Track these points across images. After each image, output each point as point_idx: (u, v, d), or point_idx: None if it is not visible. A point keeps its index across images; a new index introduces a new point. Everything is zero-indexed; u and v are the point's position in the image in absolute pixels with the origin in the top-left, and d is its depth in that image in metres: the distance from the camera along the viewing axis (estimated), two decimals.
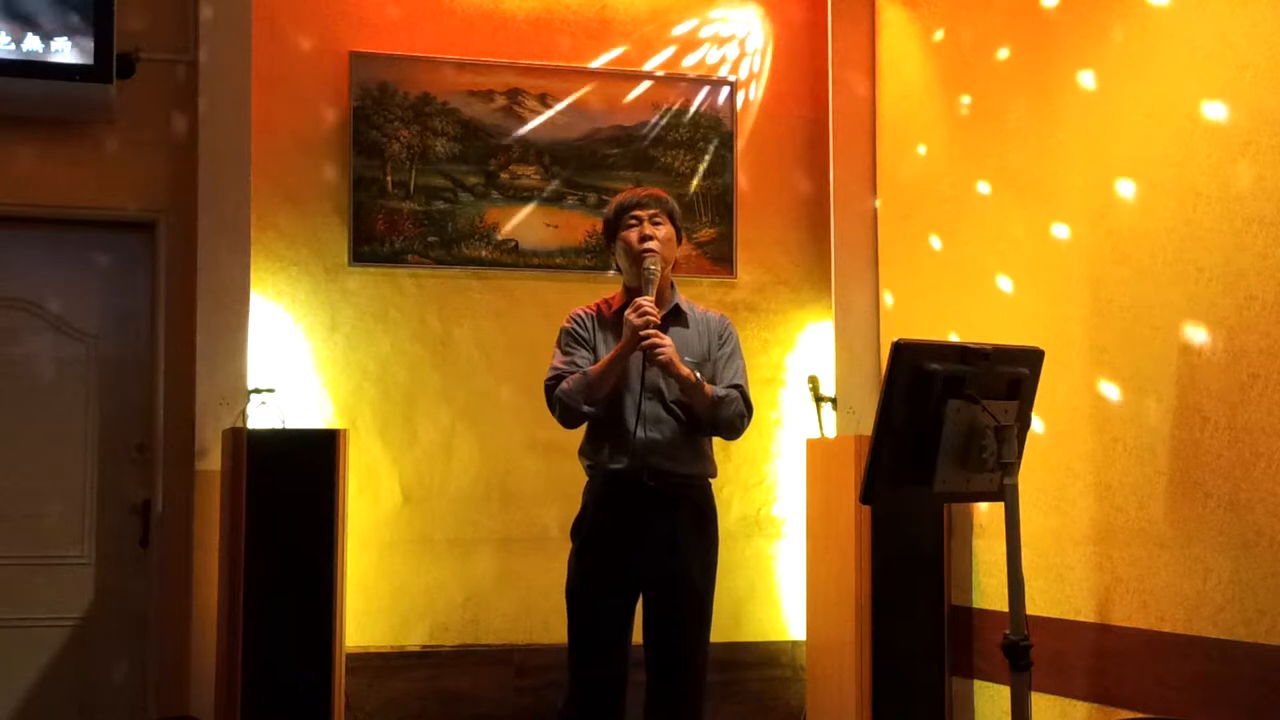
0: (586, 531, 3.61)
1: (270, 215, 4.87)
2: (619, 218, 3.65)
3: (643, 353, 3.45)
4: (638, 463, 3.50)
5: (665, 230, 3.62)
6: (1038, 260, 4.39)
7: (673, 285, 3.71)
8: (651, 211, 3.63)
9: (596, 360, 3.59)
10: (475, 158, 5.11)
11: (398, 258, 5.01)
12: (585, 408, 3.53)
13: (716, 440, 3.69)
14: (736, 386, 3.62)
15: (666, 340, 3.47)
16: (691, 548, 3.56)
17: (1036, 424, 4.14)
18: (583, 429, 3.65)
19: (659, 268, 3.55)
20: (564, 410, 3.55)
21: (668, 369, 3.48)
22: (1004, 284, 4.55)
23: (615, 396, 3.54)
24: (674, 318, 3.64)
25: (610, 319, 3.66)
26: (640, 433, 3.50)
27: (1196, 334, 3.71)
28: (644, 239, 3.59)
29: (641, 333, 3.43)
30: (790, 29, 5.50)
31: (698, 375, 3.53)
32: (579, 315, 3.70)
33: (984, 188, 4.69)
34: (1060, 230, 4.28)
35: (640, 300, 3.48)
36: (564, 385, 3.54)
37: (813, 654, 4.97)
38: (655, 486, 3.52)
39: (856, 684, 4.59)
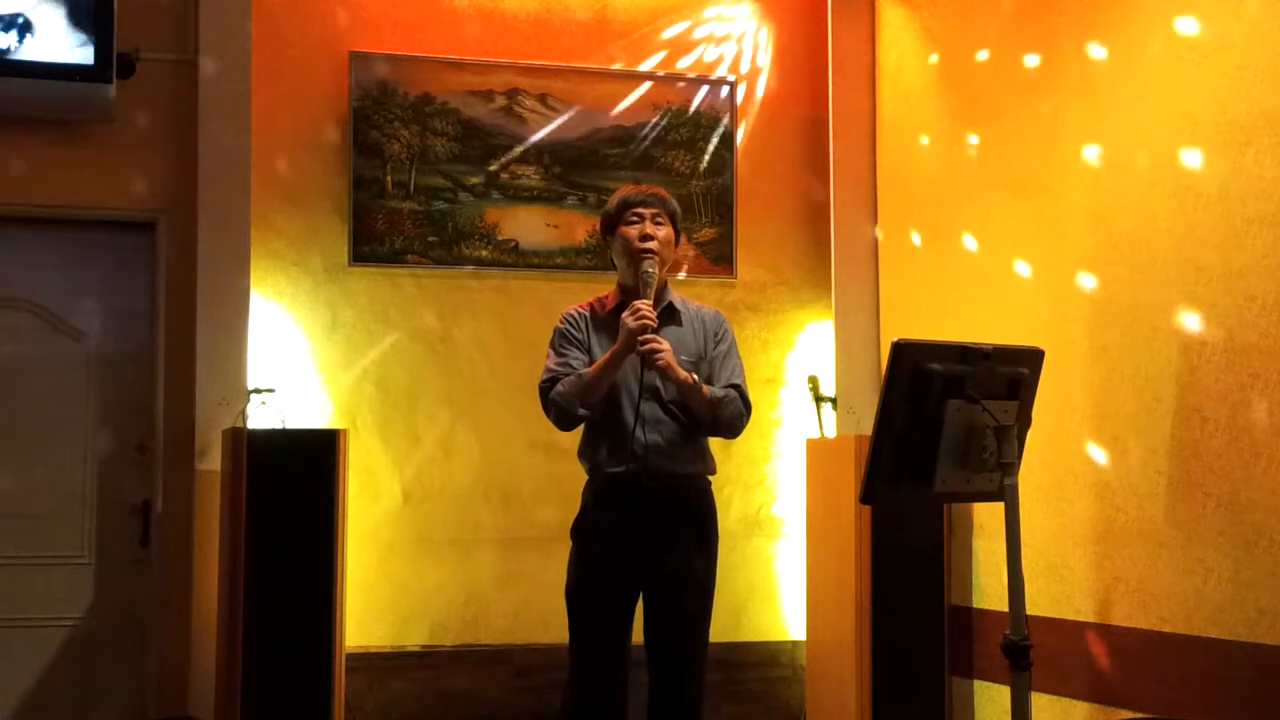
0: (587, 532, 3.59)
1: (270, 215, 4.87)
2: (620, 212, 3.62)
3: (640, 357, 3.43)
4: (638, 465, 3.48)
5: (665, 232, 3.60)
6: (1038, 260, 4.40)
7: (666, 284, 3.67)
8: (654, 210, 3.60)
9: (591, 361, 3.57)
10: (475, 158, 5.11)
11: (398, 258, 5.01)
12: (580, 410, 3.51)
13: (715, 440, 3.68)
14: (734, 386, 3.60)
15: (665, 344, 3.45)
16: (691, 547, 3.55)
17: (1036, 424, 4.14)
18: (580, 429, 3.64)
19: (657, 270, 3.53)
20: (559, 413, 3.53)
21: (666, 374, 3.46)
22: (1004, 284, 4.55)
23: (613, 398, 3.52)
24: (668, 316, 3.62)
25: (605, 318, 3.63)
26: (640, 434, 3.49)
27: (1196, 334, 3.71)
28: (644, 238, 3.56)
29: (639, 337, 3.41)
30: (790, 29, 5.49)
31: (695, 378, 3.51)
32: (572, 315, 3.67)
33: (984, 187, 4.69)
34: (1060, 230, 4.28)
35: (637, 303, 3.45)
36: (559, 387, 3.52)
37: (813, 654, 4.97)
38: (655, 488, 3.51)
39: (856, 684, 4.59)
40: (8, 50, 4.38)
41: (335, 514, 4.28)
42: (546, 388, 3.56)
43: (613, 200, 3.68)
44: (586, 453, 3.62)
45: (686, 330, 3.64)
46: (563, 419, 3.55)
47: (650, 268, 3.52)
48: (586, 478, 3.65)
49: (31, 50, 4.39)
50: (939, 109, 4.97)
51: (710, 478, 3.66)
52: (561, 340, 3.63)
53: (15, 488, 4.63)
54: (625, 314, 3.45)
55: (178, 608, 4.60)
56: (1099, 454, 4.06)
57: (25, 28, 4.40)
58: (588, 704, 3.56)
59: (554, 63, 5.21)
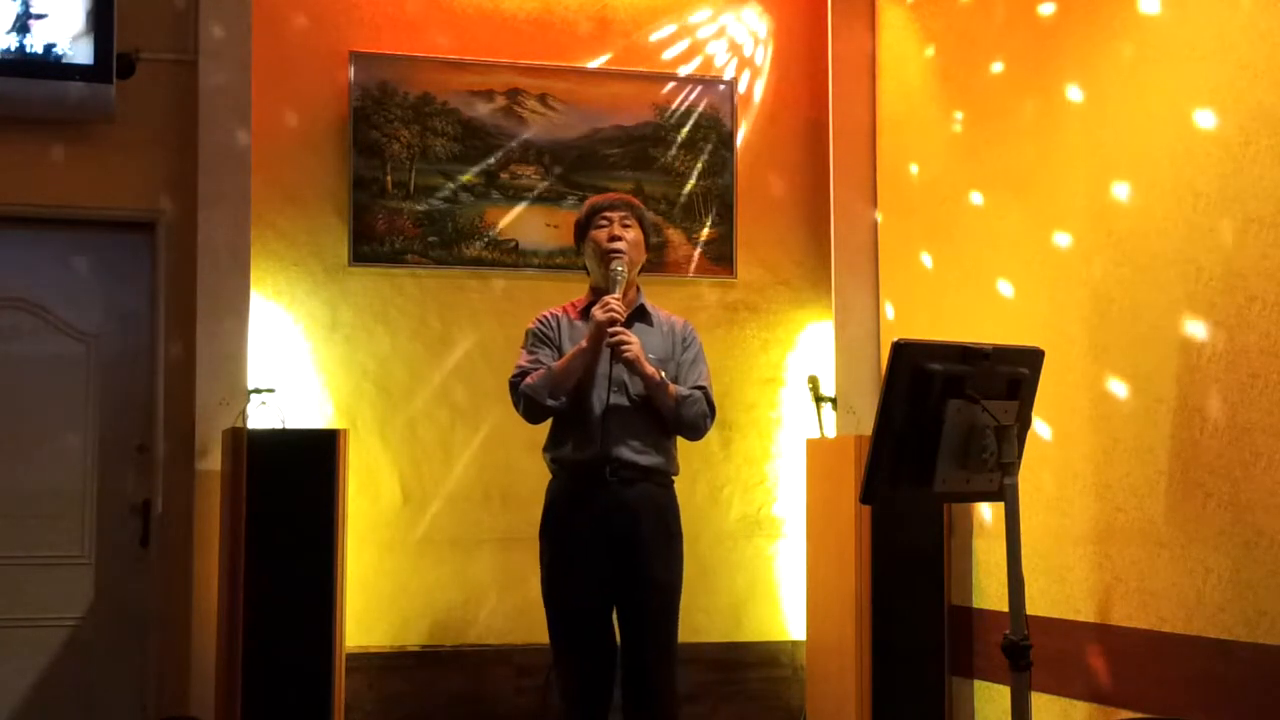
0: (553, 532, 3.69)
1: (270, 215, 4.87)
2: (590, 218, 3.77)
3: (609, 349, 3.54)
4: (602, 452, 3.57)
5: (634, 234, 3.74)
6: (1038, 260, 4.39)
7: (639, 288, 3.81)
8: (622, 214, 3.74)
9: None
10: (475, 158, 5.11)
11: (398, 258, 5.01)
12: (549, 401, 3.61)
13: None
14: (700, 388, 3.71)
15: (633, 337, 3.57)
16: (655, 546, 3.63)
17: (1037, 424, 4.14)
18: (547, 426, 3.72)
19: (625, 269, 3.66)
20: (528, 405, 3.63)
21: (633, 366, 3.57)
22: (1004, 284, 4.55)
23: (581, 390, 3.62)
24: (639, 316, 3.75)
25: (577, 319, 3.75)
26: (605, 423, 3.57)
27: (1196, 334, 3.71)
28: (613, 239, 3.70)
29: (608, 330, 3.52)
30: (790, 29, 5.49)
31: (662, 375, 3.62)
32: (545, 316, 3.79)
33: (984, 187, 4.69)
34: (1060, 230, 4.28)
35: (607, 298, 3.58)
36: (528, 380, 3.63)
37: (813, 654, 4.97)
38: (617, 482, 3.58)
39: (856, 684, 4.59)
40: (8, 49, 4.38)
41: (335, 514, 4.29)
42: (516, 382, 3.68)
43: (583, 209, 3.85)
44: (551, 446, 3.71)
45: (656, 331, 3.76)
46: (532, 410, 3.64)
47: (619, 266, 3.65)
48: (550, 475, 3.73)
49: (32, 50, 4.39)
50: (939, 109, 4.97)
51: (674, 476, 3.75)
52: (534, 340, 3.75)
53: (15, 488, 4.63)
54: (595, 308, 3.58)
55: (178, 608, 4.60)
56: (1099, 454, 4.06)
57: (26, 27, 4.40)
58: (579, 699, 3.65)
59: (554, 63, 5.21)
